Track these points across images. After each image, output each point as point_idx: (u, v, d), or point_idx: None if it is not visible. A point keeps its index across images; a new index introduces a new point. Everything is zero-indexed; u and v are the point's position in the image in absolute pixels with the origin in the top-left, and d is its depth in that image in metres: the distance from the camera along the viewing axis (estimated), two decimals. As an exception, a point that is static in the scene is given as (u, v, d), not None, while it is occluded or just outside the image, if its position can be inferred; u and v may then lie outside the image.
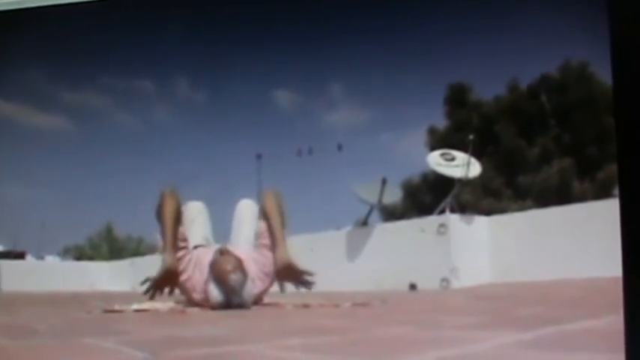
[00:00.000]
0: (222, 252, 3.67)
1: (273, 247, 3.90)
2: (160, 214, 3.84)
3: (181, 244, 3.85)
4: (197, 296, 3.70)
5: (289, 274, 3.78)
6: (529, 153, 17.05)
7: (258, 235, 3.96)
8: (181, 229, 3.91)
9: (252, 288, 3.59)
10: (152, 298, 3.70)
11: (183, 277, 3.77)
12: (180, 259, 3.81)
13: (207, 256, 3.73)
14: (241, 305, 3.47)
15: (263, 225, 3.98)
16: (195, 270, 3.76)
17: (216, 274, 3.50)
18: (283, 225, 3.97)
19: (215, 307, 3.48)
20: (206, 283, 3.59)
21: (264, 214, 3.98)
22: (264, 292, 3.77)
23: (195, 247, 4.02)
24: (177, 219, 3.84)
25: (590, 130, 15.41)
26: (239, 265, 3.55)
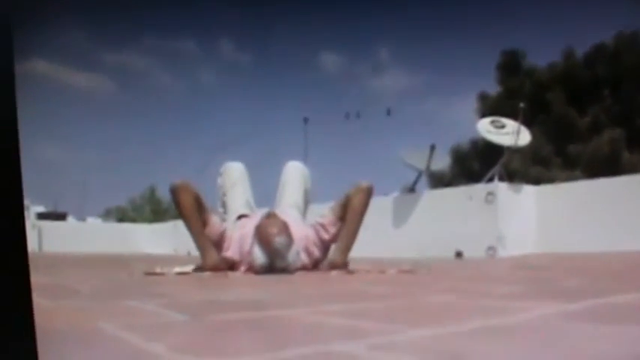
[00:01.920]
0: (270, 216, 3.65)
1: (338, 246, 3.87)
2: (179, 211, 3.78)
3: (220, 230, 3.83)
4: (242, 268, 3.70)
5: (332, 269, 3.76)
6: (580, 122, 16.94)
7: (323, 222, 3.89)
8: (213, 219, 3.88)
9: (297, 253, 3.57)
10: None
11: (227, 254, 3.77)
12: (222, 238, 3.80)
13: (251, 225, 3.71)
14: (285, 269, 3.45)
15: (336, 210, 3.93)
16: (240, 244, 3.74)
17: (261, 236, 3.47)
18: (359, 228, 3.93)
19: (258, 270, 3.47)
20: (251, 246, 3.57)
21: (346, 205, 3.89)
22: (306, 265, 3.75)
23: (239, 217, 4.00)
24: (200, 210, 3.77)
25: (641, 100, 15.17)
26: (285, 228, 3.52)
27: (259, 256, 3.47)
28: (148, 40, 40.15)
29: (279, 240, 3.44)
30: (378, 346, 1.00)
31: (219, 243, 3.78)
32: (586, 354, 0.93)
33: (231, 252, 3.75)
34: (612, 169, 12.00)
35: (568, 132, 16.90)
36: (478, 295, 2.16)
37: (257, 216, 3.82)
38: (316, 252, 3.83)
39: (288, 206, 4.09)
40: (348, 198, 3.87)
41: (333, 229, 3.85)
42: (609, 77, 16.98)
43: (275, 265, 3.45)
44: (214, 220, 3.85)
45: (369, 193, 3.91)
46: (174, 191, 3.71)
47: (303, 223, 3.99)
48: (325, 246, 3.89)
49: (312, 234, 3.83)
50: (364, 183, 3.93)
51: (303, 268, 3.67)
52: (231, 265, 3.75)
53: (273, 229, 3.49)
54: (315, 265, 3.81)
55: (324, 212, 3.95)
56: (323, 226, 3.86)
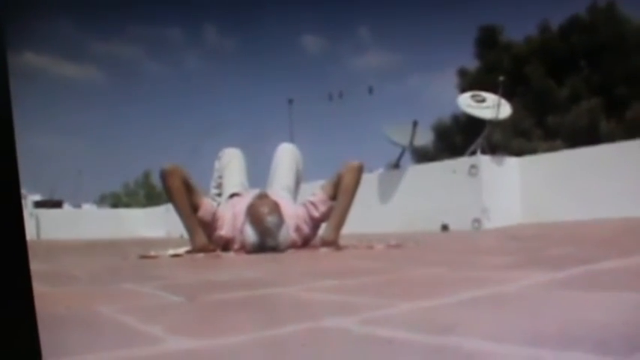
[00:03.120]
0: (261, 196, 3.66)
1: (329, 223, 3.87)
2: (168, 195, 3.79)
3: (212, 210, 3.82)
4: (236, 246, 3.70)
5: (324, 246, 3.76)
6: (559, 93, 17.02)
7: (314, 200, 3.89)
8: (205, 201, 3.87)
9: (287, 232, 3.58)
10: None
11: (221, 232, 3.76)
12: (215, 218, 3.79)
13: (243, 204, 3.71)
14: (275, 248, 3.46)
15: (327, 189, 3.92)
16: (233, 222, 3.74)
17: (253, 216, 3.49)
18: (351, 206, 3.92)
19: (249, 249, 3.48)
20: (242, 225, 3.58)
21: (337, 184, 3.89)
22: (296, 243, 3.76)
23: (231, 195, 3.99)
24: (189, 193, 3.75)
25: (619, 70, 15.27)
26: (276, 208, 3.54)
27: (250, 235, 3.48)
28: (133, 29, 40.14)
29: (270, 219, 3.46)
30: (370, 320, 1.00)
31: (212, 223, 3.78)
32: (575, 321, 0.93)
33: (224, 230, 3.75)
34: (591, 138, 12.04)
35: (547, 103, 16.96)
36: (466, 266, 2.16)
37: (248, 195, 3.82)
38: (306, 229, 3.83)
39: (280, 188, 4.08)
40: (340, 177, 3.87)
41: (323, 208, 3.85)
42: (585, 48, 17.04)
43: (266, 244, 3.47)
44: (206, 202, 3.84)
45: (359, 172, 3.91)
46: (163, 175, 3.71)
47: (294, 203, 3.99)
48: (315, 224, 3.90)
49: (302, 212, 3.83)
50: (355, 162, 3.93)
51: (293, 245, 3.68)
52: (225, 243, 3.76)
53: (265, 209, 3.51)
54: (305, 243, 3.82)
55: (315, 191, 3.95)
56: (313, 204, 3.86)
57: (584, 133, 14.60)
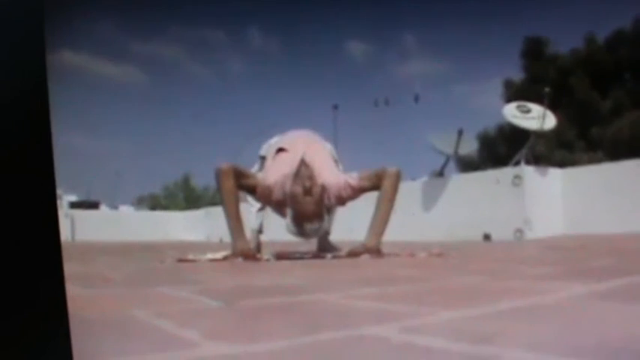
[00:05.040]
0: (304, 179, 3.62)
1: (370, 230, 3.81)
2: (219, 195, 3.77)
3: (265, 184, 3.79)
4: (276, 197, 3.74)
5: (366, 253, 3.73)
6: (602, 105, 16.82)
7: (350, 174, 3.87)
8: (259, 175, 3.87)
9: (324, 228, 3.71)
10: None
11: (274, 197, 3.77)
12: (269, 190, 3.76)
13: (290, 165, 3.73)
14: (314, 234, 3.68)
15: (364, 179, 3.86)
16: (282, 187, 3.71)
17: (296, 215, 3.56)
18: (391, 212, 3.88)
19: (289, 231, 3.64)
20: (289, 192, 3.62)
21: (370, 179, 3.85)
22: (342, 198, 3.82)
23: (278, 150, 3.96)
24: (246, 178, 3.76)
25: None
26: (319, 211, 3.55)
27: (290, 225, 3.63)
28: (176, 30, 40.37)
29: (309, 227, 3.54)
30: (409, 328, 0.99)
31: (268, 195, 3.79)
32: (616, 334, 0.91)
33: (275, 195, 3.74)
34: (633, 150, 11.90)
35: (590, 115, 16.82)
36: (508, 276, 2.14)
37: (294, 152, 3.83)
38: (345, 196, 3.82)
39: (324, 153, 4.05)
40: (378, 179, 3.83)
41: (362, 183, 3.83)
42: (630, 61, 16.87)
43: (303, 235, 3.67)
44: (259, 176, 3.86)
45: (398, 179, 3.88)
46: (218, 175, 3.68)
47: (337, 170, 3.97)
48: (354, 190, 3.85)
49: (342, 181, 3.80)
50: (393, 169, 3.89)
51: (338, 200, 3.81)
52: (278, 207, 3.86)
53: (308, 213, 3.52)
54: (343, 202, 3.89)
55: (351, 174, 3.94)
56: (351, 177, 3.83)
57: (626, 145, 14.44)
